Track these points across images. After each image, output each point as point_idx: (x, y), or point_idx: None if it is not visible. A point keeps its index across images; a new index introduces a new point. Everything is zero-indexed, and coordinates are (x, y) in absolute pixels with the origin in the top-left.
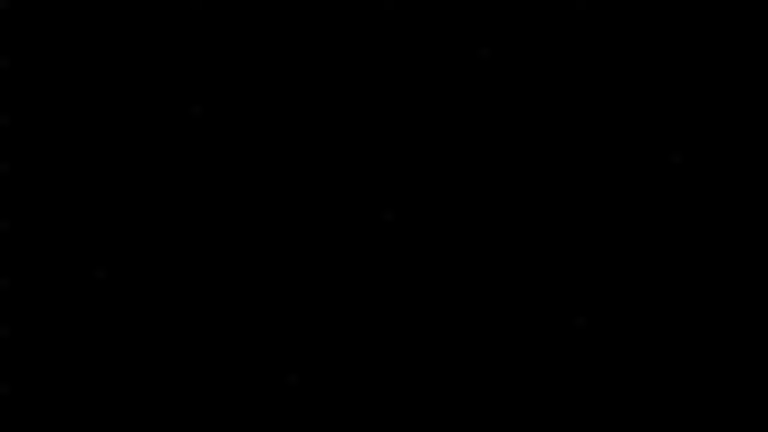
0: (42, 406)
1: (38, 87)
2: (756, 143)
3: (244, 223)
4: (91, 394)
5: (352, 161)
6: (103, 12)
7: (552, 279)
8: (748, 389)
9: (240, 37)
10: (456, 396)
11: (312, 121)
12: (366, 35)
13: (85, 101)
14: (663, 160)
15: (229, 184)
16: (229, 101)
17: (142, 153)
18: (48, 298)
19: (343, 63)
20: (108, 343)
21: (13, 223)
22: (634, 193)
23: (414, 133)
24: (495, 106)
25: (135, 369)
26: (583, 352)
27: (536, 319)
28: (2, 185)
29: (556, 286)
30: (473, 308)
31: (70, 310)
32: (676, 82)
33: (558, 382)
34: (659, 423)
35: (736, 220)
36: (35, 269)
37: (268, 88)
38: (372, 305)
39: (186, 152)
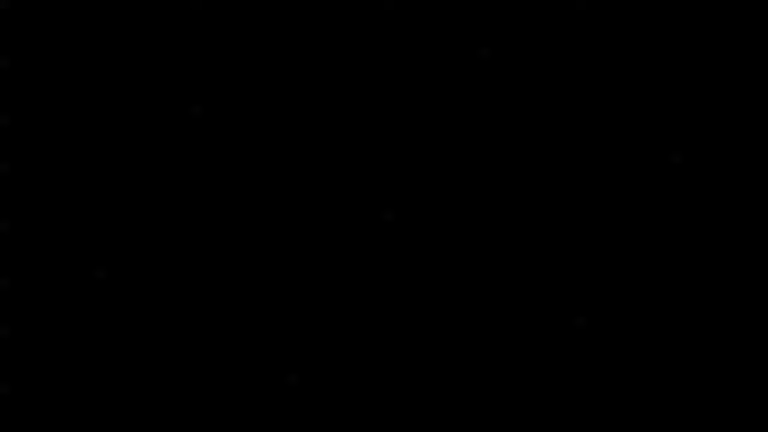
0: (42, 406)
1: (38, 87)
2: (756, 143)
3: (244, 223)
4: (91, 394)
5: (352, 161)
6: (103, 12)
7: (552, 279)
8: (748, 389)
9: (240, 37)
10: (456, 396)
11: (312, 121)
12: (366, 35)
13: (85, 101)
14: (663, 160)
15: (229, 184)
16: (229, 101)
17: (142, 153)
18: (48, 298)
19: (343, 63)
20: (108, 343)
21: (13, 223)
22: (634, 193)
23: (414, 133)
24: (495, 106)
25: (135, 369)
26: (583, 352)
27: (536, 319)
28: (2, 185)
29: (556, 286)
30: (473, 308)
31: (70, 310)
32: (676, 82)
33: (558, 382)
34: (659, 423)
35: (736, 220)
36: (35, 269)
37: (268, 88)
38: (372, 305)
39: (186, 152)
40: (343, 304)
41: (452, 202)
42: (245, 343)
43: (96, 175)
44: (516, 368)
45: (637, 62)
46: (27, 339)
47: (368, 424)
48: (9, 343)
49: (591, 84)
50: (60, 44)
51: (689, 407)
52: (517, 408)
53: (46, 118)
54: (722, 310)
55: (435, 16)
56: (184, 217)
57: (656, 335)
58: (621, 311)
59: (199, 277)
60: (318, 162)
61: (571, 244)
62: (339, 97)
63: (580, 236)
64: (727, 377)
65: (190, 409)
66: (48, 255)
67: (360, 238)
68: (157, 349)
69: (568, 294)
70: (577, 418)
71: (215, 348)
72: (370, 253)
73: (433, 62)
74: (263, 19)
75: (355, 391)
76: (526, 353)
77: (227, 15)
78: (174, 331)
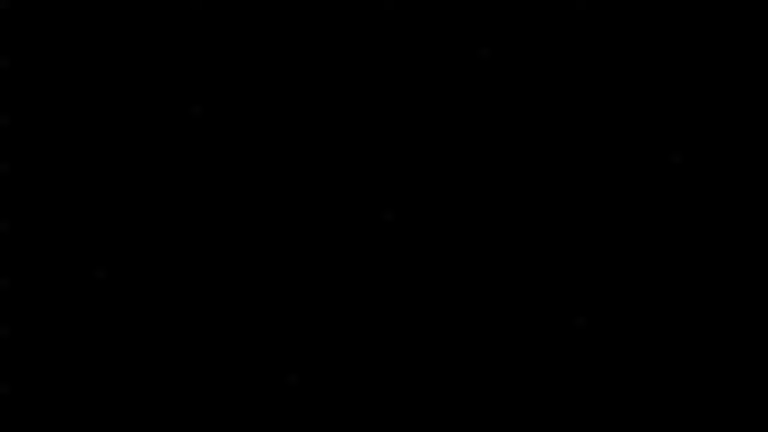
0: (42, 406)
1: (38, 87)
2: (756, 143)
3: (244, 223)
4: (91, 394)
5: (352, 161)
6: (103, 12)
7: (552, 279)
8: (748, 389)
9: (240, 37)
10: (456, 396)
11: (312, 121)
12: (366, 35)
13: (85, 101)
14: (663, 160)
15: (229, 184)
16: (229, 101)
17: (142, 153)
18: (48, 298)
19: (343, 63)
20: (108, 343)
21: (13, 223)
22: (635, 193)
23: (414, 133)
24: (495, 106)
25: (135, 369)
26: (583, 352)
27: (536, 319)
28: (2, 185)
29: (556, 286)
30: (473, 308)
31: (70, 310)
32: (676, 82)
33: (558, 382)
34: (659, 423)
35: (736, 220)
36: (35, 269)
37: (268, 88)
38: (372, 305)
39: (186, 152)
40: (343, 304)
41: (452, 202)
42: (245, 343)
43: (96, 175)
44: (516, 368)
45: (637, 62)
46: (27, 339)
47: (368, 424)
48: (9, 343)
49: (591, 84)
50: (60, 44)
51: (689, 407)
52: (518, 408)
53: (46, 118)
54: (722, 310)
55: (435, 16)
56: (184, 217)
57: (656, 335)
58: (621, 311)
59: (199, 277)
60: (318, 162)
61: (571, 244)
62: (339, 97)
63: (580, 236)
64: (727, 377)
65: (190, 409)
66: (48, 255)
67: (360, 238)
68: (157, 349)
69: (568, 294)
70: (577, 418)
71: (215, 348)
72: (370, 253)
73: (433, 62)
74: (263, 19)
75: (355, 391)
76: (526, 353)
77: (227, 15)
78: (174, 331)
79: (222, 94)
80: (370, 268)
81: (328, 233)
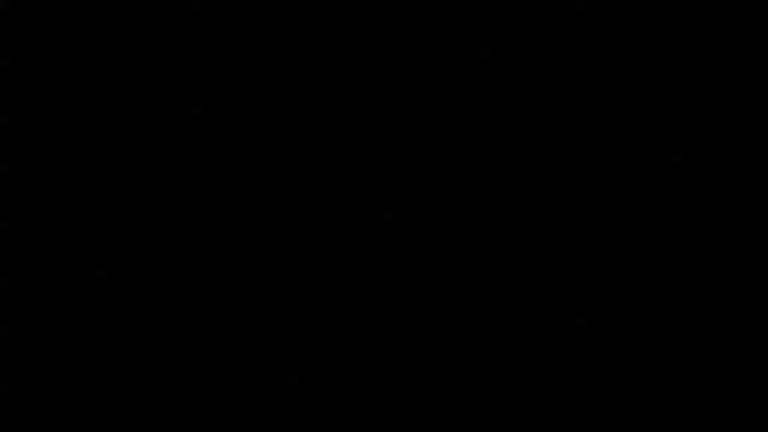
0: (42, 406)
1: (38, 87)
2: (756, 143)
3: (244, 223)
4: (91, 394)
5: (352, 161)
6: (103, 12)
7: (552, 279)
8: (748, 389)
9: (240, 37)
10: (456, 396)
11: (312, 121)
12: (366, 35)
13: (85, 101)
14: (663, 160)
15: (229, 184)
16: (229, 101)
17: (142, 153)
18: (48, 298)
19: (343, 63)
20: (108, 343)
21: (13, 223)
22: (635, 193)
23: (414, 133)
24: (495, 106)
25: (135, 369)
26: (583, 352)
27: (536, 319)
28: (2, 185)
29: (556, 286)
30: (473, 308)
31: (70, 310)
32: (676, 82)
33: (558, 382)
34: (659, 423)
35: (736, 220)
36: (35, 269)
37: (268, 88)
38: (372, 305)
39: (186, 152)
40: (343, 304)
41: (452, 202)
42: (245, 343)
43: (96, 175)
44: (517, 368)
45: (637, 62)
46: (27, 339)
47: (368, 424)
48: (9, 343)
49: (591, 84)
50: (60, 44)
51: (689, 407)
52: (518, 408)
53: (46, 118)
54: (722, 310)
55: (435, 16)
56: (184, 217)
57: (656, 335)
58: (621, 311)
59: (199, 277)
60: (318, 162)
61: (571, 244)
62: (339, 97)
63: (580, 236)
64: (727, 377)
65: (191, 409)
66: (48, 255)
67: (360, 238)
68: (157, 349)
69: (568, 294)
70: (577, 418)
71: (215, 348)
72: (370, 253)
73: (433, 62)
74: (263, 19)
75: (355, 391)
76: (526, 353)
77: (227, 15)
78: (174, 331)
79: (222, 94)
80: (370, 268)
81: (329, 233)
